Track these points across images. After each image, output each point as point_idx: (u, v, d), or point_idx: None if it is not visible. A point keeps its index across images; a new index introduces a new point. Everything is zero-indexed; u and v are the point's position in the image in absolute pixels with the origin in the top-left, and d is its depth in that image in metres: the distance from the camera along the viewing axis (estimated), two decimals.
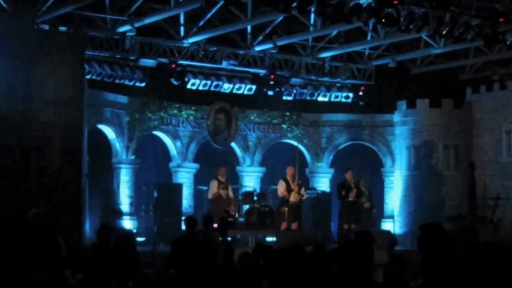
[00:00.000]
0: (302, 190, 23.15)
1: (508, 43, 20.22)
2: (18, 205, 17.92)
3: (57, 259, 11.50)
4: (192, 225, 14.77)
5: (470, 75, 26.88)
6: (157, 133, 25.28)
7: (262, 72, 25.02)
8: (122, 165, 24.13)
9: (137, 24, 21.37)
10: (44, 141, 19.06)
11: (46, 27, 19.94)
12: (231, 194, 23.04)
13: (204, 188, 23.38)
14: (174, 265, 13.60)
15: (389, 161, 27.59)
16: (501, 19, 18.99)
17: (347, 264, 9.07)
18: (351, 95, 27.08)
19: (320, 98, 27.07)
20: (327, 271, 9.66)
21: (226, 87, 25.47)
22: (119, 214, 22.74)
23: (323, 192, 25.97)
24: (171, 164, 25.56)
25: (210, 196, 22.85)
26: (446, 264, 7.80)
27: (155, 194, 22.61)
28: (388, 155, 27.57)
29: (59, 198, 18.83)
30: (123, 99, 24.07)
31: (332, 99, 27.19)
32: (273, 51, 24.13)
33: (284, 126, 27.18)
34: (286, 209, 22.63)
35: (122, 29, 21.65)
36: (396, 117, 27.49)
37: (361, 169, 24.21)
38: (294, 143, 26.29)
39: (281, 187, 22.94)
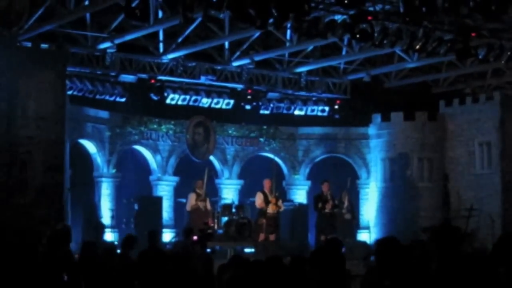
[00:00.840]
0: (280, 202, 23.41)
1: (480, 57, 20.59)
2: (2, 220, 18.21)
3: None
4: (155, 239, 14.92)
5: (443, 89, 27.26)
6: (138, 147, 25.60)
7: (239, 86, 25.39)
8: (103, 179, 24.41)
9: (117, 41, 21.71)
10: (26, 156, 19.31)
11: (29, 44, 20.28)
12: (208, 206, 23.37)
13: (184, 200, 23.67)
14: (139, 279, 13.87)
15: (364, 173, 28.02)
16: (473, 34, 19.34)
17: (320, 270, 9.38)
18: (327, 108, 27.50)
19: (297, 112, 27.50)
20: (304, 281, 9.94)
21: (205, 101, 25.79)
22: (101, 227, 22.97)
23: (300, 204, 26.28)
24: (151, 178, 25.87)
25: (188, 208, 23.13)
26: (403, 277, 8.14)
27: (136, 207, 23.02)
28: (363, 167, 28.01)
29: (42, 213, 19.08)
30: (104, 114, 24.40)
31: (308, 112, 27.60)
32: (250, 66, 24.53)
33: (261, 139, 27.57)
34: (264, 220, 22.88)
35: (102, 45, 21.95)
36: (371, 130, 27.94)
37: (341, 181, 24.52)
38: (271, 156, 26.69)
39: (259, 199, 23.21)
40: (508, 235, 8.56)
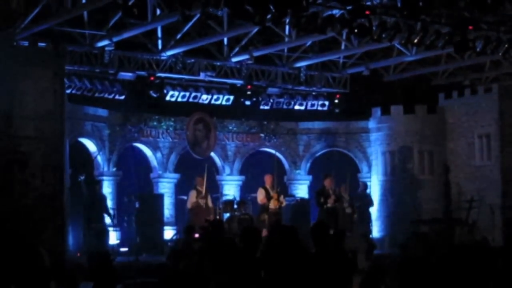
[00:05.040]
0: (281, 197, 23.50)
1: (477, 49, 20.61)
2: (2, 221, 18.19)
3: (40, 271, 11.65)
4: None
5: (442, 81, 27.29)
6: (138, 145, 25.63)
7: (239, 82, 25.40)
8: (104, 177, 24.43)
9: (115, 39, 21.69)
10: (26, 156, 19.30)
11: (26, 43, 20.24)
12: (210, 203, 23.38)
13: (185, 197, 23.71)
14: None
15: (365, 167, 28.06)
16: (470, 27, 19.34)
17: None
18: (326, 103, 27.51)
19: (297, 107, 27.51)
20: None
21: (205, 98, 25.76)
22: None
23: (302, 199, 26.27)
24: (152, 175, 25.92)
25: (189, 205, 23.19)
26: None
27: (137, 205, 23.00)
28: (364, 161, 28.05)
29: (42, 212, 19.08)
30: (103, 112, 24.41)
31: (309, 107, 27.61)
32: (250, 62, 24.50)
33: (262, 135, 27.59)
34: (266, 216, 22.98)
35: (100, 43, 21.94)
36: (371, 123, 27.99)
37: (341, 175, 24.57)
38: (272, 151, 26.72)
39: (260, 195, 23.30)
40: None
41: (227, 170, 27.20)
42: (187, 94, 25.37)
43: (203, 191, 23.15)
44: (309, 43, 24.15)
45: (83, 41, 21.98)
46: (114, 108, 24.61)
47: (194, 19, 20.35)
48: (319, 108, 27.68)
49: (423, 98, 27.43)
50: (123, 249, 22.00)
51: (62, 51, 20.68)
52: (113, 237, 22.84)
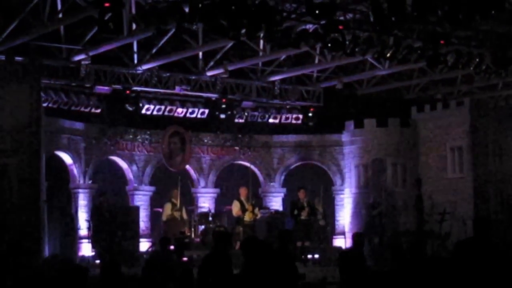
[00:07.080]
0: (256, 210, 23.70)
1: (449, 64, 20.91)
2: None
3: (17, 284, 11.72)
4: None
5: (414, 95, 27.48)
6: (114, 157, 25.74)
7: (214, 96, 25.52)
8: (80, 190, 24.51)
9: (91, 53, 21.76)
10: (2, 169, 19.40)
11: (3, 57, 20.34)
12: (185, 216, 23.52)
13: (160, 210, 23.84)
14: None
15: (339, 180, 28.30)
16: (442, 41, 19.63)
17: None
18: (300, 116, 27.68)
19: (271, 120, 27.70)
20: None
21: (180, 111, 25.87)
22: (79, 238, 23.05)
23: (276, 211, 26.43)
24: (128, 188, 26.02)
25: (164, 218, 23.35)
26: None
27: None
28: (338, 173, 28.29)
29: (18, 224, 19.16)
30: (79, 125, 24.53)
31: (283, 120, 27.80)
32: (224, 75, 24.66)
33: (236, 148, 27.75)
34: (241, 228, 23.17)
35: (77, 57, 21.99)
36: (345, 136, 28.25)
37: (315, 188, 24.77)
38: (247, 164, 26.90)
39: (235, 207, 23.48)
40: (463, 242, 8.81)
41: (202, 182, 27.34)
42: (163, 107, 25.48)
43: (178, 204, 23.30)
44: (283, 57, 24.34)
45: (60, 55, 22.03)
46: (90, 121, 24.72)
47: (170, 33, 20.49)
48: (293, 121, 27.86)
49: (396, 112, 27.74)
50: (98, 261, 22.04)
51: (38, 65, 20.81)
52: (88, 249, 22.97)
